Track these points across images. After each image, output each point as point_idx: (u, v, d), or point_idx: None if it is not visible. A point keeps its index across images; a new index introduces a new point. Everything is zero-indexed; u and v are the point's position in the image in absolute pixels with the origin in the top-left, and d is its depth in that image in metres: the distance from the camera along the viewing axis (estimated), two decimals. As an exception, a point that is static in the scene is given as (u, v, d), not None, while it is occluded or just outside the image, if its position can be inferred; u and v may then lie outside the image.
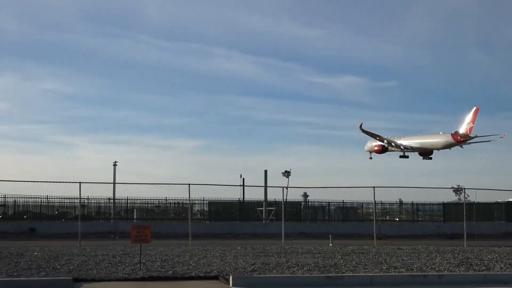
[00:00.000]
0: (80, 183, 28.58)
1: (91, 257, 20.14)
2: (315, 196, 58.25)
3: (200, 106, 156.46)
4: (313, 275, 15.79)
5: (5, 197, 48.81)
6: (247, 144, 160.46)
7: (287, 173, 66.17)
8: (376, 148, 54.59)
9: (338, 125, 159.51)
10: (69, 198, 47.91)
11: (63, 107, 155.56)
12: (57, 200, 49.94)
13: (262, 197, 53.15)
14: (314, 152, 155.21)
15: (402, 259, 20.62)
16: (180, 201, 51.27)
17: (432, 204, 54.59)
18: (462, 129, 49.57)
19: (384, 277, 15.40)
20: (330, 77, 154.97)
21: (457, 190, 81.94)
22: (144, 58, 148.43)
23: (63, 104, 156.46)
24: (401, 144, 53.29)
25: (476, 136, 49.82)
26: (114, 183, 53.71)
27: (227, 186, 54.31)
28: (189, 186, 30.52)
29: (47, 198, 48.92)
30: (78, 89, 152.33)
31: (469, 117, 49.55)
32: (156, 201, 52.98)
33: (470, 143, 51.00)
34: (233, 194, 73.67)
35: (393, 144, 53.41)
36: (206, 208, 54.59)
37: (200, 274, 15.90)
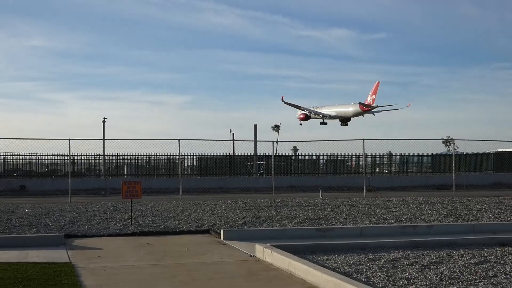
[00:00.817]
0: (69, 140, 28.52)
1: (82, 213, 20.21)
2: (304, 150, 58.50)
3: (189, 61, 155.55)
4: (303, 227, 15.95)
5: (-6, 155, 48.62)
6: (237, 99, 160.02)
7: (276, 127, 65.92)
8: (300, 116, 60.99)
9: (328, 78, 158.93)
10: (59, 155, 47.68)
11: (50, 63, 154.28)
12: (46, 157, 49.75)
13: (252, 152, 53.22)
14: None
15: (392, 211, 20.82)
16: (171, 157, 51.31)
17: (421, 155, 54.82)
18: (369, 101, 56.97)
19: (373, 229, 15.57)
20: (319, 30, 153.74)
21: (447, 141, 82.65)
22: (132, 14, 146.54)
23: (50, 60, 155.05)
24: (320, 113, 60.14)
25: (378, 106, 57.23)
26: (104, 139, 53.79)
27: (217, 141, 54.32)
28: (179, 141, 30.51)
29: (36, 155, 48.75)
30: (65, 46, 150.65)
31: (371, 90, 56.84)
32: (146, 157, 52.90)
33: (376, 111, 58.16)
34: (223, 149, 73.88)
35: (313, 113, 60.30)
36: (196, 164, 54.67)
37: (191, 229, 16.01)
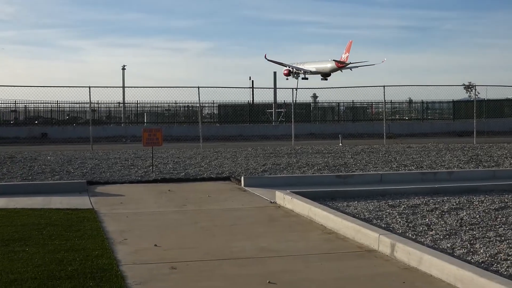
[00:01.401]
0: (89, 87, 28.58)
1: (103, 160, 20.38)
2: (324, 97, 58.37)
3: (209, 7, 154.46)
4: (323, 174, 15.99)
5: (15, 103, 48.99)
6: (257, 45, 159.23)
7: (296, 74, 65.37)
8: (285, 72, 64.85)
9: (348, 24, 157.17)
10: (79, 103, 47.88)
11: (70, 10, 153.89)
12: (67, 105, 50.04)
13: (271, 99, 53.11)
14: (323, 52, 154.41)
15: (412, 157, 20.77)
16: (190, 104, 51.36)
17: (442, 102, 54.44)
18: (343, 58, 61.77)
19: (394, 175, 15.57)
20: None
21: (468, 87, 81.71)
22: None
23: (70, 7, 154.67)
24: (302, 69, 64.82)
25: (351, 63, 62.17)
26: (124, 87, 53.84)
27: (237, 89, 54.58)
28: (198, 89, 30.49)
29: (57, 103, 49.01)
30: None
31: (345, 48, 62.07)
32: (166, 105, 53.04)
33: (350, 67, 63.37)
34: (243, 97, 74.00)
35: (295, 69, 64.71)
36: (216, 111, 54.76)
37: (212, 176, 16.12)
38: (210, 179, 15.78)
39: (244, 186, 14.38)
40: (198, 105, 33.94)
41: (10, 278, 6.52)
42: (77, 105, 50.12)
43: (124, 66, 69.73)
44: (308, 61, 66.61)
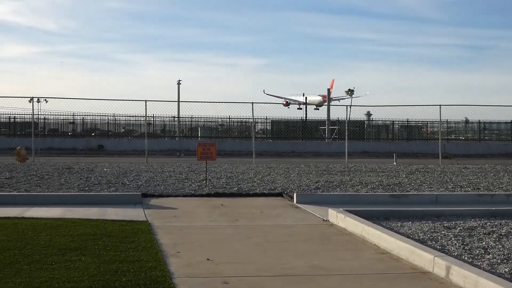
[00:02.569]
0: (145, 101, 29.10)
1: (158, 173, 20.63)
2: (378, 115, 58.34)
3: (263, 23, 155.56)
4: (377, 193, 15.83)
5: (74, 115, 50.21)
6: (310, 62, 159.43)
7: (350, 92, 65.63)
8: (283, 103, 72.31)
9: (403, 42, 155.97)
10: (135, 116, 48.74)
11: (128, 25, 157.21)
12: (123, 118, 50.97)
13: (324, 116, 53.04)
14: (378, 69, 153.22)
15: (468, 178, 20.40)
16: (243, 120, 51.65)
17: (500, 122, 53.43)
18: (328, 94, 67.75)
19: (449, 196, 15.32)
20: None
21: (527, 108, 79.86)
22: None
23: (128, 22, 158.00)
24: (296, 100, 76.11)
25: (334, 98, 70.12)
26: (179, 101, 54.47)
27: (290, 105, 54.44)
28: (252, 104, 30.71)
29: (114, 116, 50.01)
30: (142, 7, 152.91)
31: (329, 85, 71.38)
32: (220, 120, 53.54)
33: (338, 99, 72.05)
34: (296, 113, 74.82)
35: (291, 101, 75.84)
36: (268, 127, 54.95)
37: (265, 191, 16.13)
38: (262, 194, 15.80)
39: (296, 202, 14.35)
40: (251, 120, 34.07)
41: (66, 287, 6.65)
42: (132, 118, 50.99)
43: (179, 81, 70.69)
44: (299, 95, 78.17)
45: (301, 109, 73.70)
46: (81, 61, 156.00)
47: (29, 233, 9.86)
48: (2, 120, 51.57)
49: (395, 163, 29.06)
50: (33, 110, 29.61)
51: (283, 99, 74.54)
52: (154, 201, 14.42)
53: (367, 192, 16.17)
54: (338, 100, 72.17)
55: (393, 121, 53.22)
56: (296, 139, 49.67)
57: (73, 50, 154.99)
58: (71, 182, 17.41)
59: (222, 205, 14.00)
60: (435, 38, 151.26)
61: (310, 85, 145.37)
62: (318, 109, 73.14)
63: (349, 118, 33.17)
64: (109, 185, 16.76)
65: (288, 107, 74.58)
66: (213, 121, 53.92)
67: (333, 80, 74.19)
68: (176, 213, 12.75)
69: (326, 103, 69.26)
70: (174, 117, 53.35)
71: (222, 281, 7.19)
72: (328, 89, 68.27)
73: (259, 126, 55.67)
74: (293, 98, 77.31)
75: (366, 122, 59.65)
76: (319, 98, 75.85)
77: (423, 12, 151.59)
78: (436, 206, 13.46)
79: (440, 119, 32.39)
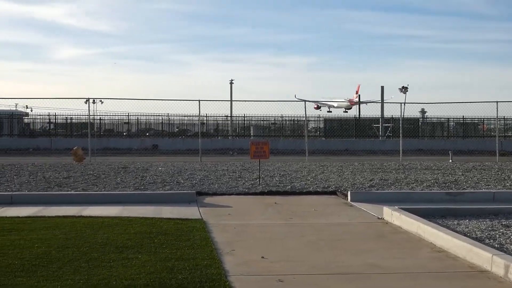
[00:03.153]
0: (199, 101, 29.36)
1: (212, 172, 20.78)
2: (433, 112, 57.32)
3: (314, 21, 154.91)
4: (433, 191, 15.62)
5: (128, 115, 51.07)
6: (362, 60, 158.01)
7: (404, 89, 64.66)
8: (314, 106, 74.09)
9: (456, 38, 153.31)
10: (188, 116, 49.35)
11: (180, 25, 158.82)
12: (177, 118, 51.57)
13: (378, 114, 52.59)
14: (431, 66, 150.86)
15: (527, 176, 19.92)
16: (296, 118, 51.63)
17: (560, 119, 52.03)
18: (355, 97, 72.15)
19: (508, 194, 14.94)
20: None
21: None
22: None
23: (180, 22, 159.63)
24: (326, 104, 78.39)
25: (361, 102, 68.63)
26: (231, 100, 54.78)
27: (388, 94, 54.13)
28: (305, 103, 30.69)
29: (168, 116, 50.63)
30: (194, 7, 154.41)
31: (355, 91, 74.59)
32: (272, 118, 53.61)
33: (363, 102, 69.63)
34: (349, 111, 74.25)
35: (321, 104, 77.36)
36: (321, 125, 54.81)
37: (318, 189, 16.08)
38: (316, 193, 15.75)
39: (350, 201, 14.26)
40: (304, 119, 33.98)
41: (124, 284, 6.76)
42: (186, 118, 51.55)
43: (232, 80, 71.09)
44: (332, 98, 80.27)
45: (330, 112, 75.78)
46: (134, 62, 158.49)
47: (87, 231, 10.06)
48: (59, 121, 52.80)
49: (450, 161, 28.58)
50: (89, 111, 30.20)
51: (314, 103, 75.66)
52: (208, 199, 14.54)
53: (422, 190, 15.96)
54: (366, 103, 73.48)
55: (448, 118, 52.43)
56: (349, 137, 49.36)
57: (126, 51, 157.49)
58: (127, 181, 17.69)
59: (275, 203, 14.01)
60: (489, 34, 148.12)
61: (363, 82, 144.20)
62: (346, 111, 74.65)
63: (403, 115, 32.82)
64: (164, 184, 16.96)
65: (320, 110, 76.69)
66: (266, 120, 54.01)
67: (358, 86, 76.82)
68: (230, 211, 12.82)
69: (353, 106, 74.93)
70: (227, 116, 53.71)
71: (277, 279, 7.20)
72: (359, 95, 71.46)
73: (311, 125, 55.69)
74: (323, 102, 79.42)
75: (421, 119, 58.85)
76: (346, 103, 79.14)
77: (475, 7, 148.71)
78: (494, 204, 13.17)
79: (497, 116, 31.75)
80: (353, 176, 19.45)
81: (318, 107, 76.41)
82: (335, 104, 79.35)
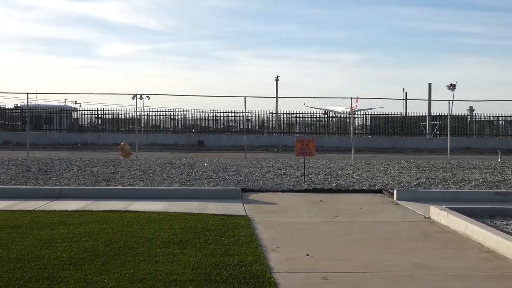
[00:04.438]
0: (245, 97, 29.26)
1: (257, 168, 20.80)
2: (481, 110, 56.32)
3: (361, 18, 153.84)
4: (481, 190, 15.33)
5: (175, 111, 51.50)
6: (411, 57, 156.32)
7: (452, 86, 63.68)
8: (322, 113, 70.24)
9: (506, 34, 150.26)
10: (234, 112, 49.65)
11: (226, 22, 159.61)
12: (222, 114, 51.89)
13: (425, 111, 51.91)
14: (480, 64, 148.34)
15: None
16: (341, 115, 51.37)
17: None
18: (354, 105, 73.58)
19: (559, 194, 14.58)
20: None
21: None
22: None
23: (226, 19, 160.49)
24: (332, 110, 72.05)
25: (360, 109, 64.43)
26: (277, 97, 54.76)
27: (389, 100, 53.95)
28: (351, 100, 30.43)
29: (213, 112, 50.91)
30: (241, 4, 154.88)
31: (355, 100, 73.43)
32: (317, 115, 53.44)
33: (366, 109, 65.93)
34: (395, 108, 73.53)
35: (327, 110, 71.37)
36: (367, 123, 54.34)
37: (364, 188, 15.95)
38: (361, 191, 15.63)
39: (396, 199, 14.11)
40: (350, 116, 33.76)
41: (169, 279, 6.81)
42: (231, 114, 51.79)
43: (277, 77, 71.03)
44: (335, 106, 79.62)
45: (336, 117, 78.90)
46: (181, 58, 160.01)
47: (134, 226, 10.17)
48: (107, 116, 53.61)
49: (499, 160, 28.05)
50: (136, 107, 30.50)
51: (322, 110, 77.31)
52: (253, 196, 14.55)
53: (470, 189, 15.68)
54: (366, 109, 74.58)
55: (497, 116, 51.45)
56: (395, 135, 48.87)
57: (173, 47, 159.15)
58: (173, 177, 17.83)
59: (320, 201, 13.96)
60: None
61: (411, 79, 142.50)
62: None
63: (451, 113, 32.31)
64: (210, 180, 17.04)
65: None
66: (311, 117, 53.88)
67: (358, 96, 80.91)
68: (275, 208, 12.82)
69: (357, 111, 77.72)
70: (272, 113, 53.80)
71: (322, 277, 7.17)
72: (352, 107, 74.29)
73: (357, 122, 55.22)
74: (329, 108, 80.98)
75: (469, 117, 57.91)
76: (348, 110, 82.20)
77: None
78: (545, 204, 12.86)
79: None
80: (399, 175, 19.24)
81: (325, 113, 78.63)
82: (339, 110, 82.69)
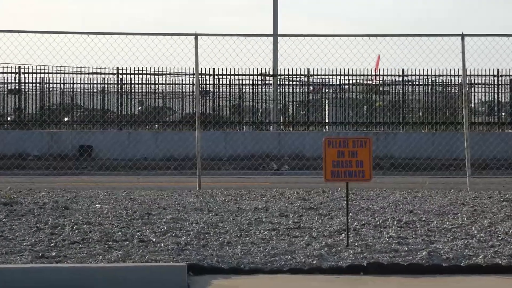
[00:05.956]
0: (196, 35, 32.38)
1: (228, 215, 21.17)
2: None
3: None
4: None
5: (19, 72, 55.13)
6: None
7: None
8: None
9: None
10: (170, 74, 51.97)
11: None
12: (140, 78, 55.26)
13: None
14: None
15: None
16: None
17: None
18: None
19: None
20: None
21: None
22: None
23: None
24: None
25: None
26: (276, 34, 58.18)
27: None
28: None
29: (117, 73, 53.21)
30: None
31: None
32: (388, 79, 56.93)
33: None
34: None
35: None
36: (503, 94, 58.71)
37: (499, 260, 16.05)
38: (494, 268, 15.63)
39: None
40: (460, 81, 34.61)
41: None
42: (163, 80, 54.25)
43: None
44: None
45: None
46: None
47: None
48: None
49: None
50: None
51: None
52: (217, 284, 14.30)
53: None
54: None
55: None
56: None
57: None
58: (16, 237, 17.80)
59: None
60: None
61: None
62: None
63: None
64: (107, 245, 16.91)
65: None
66: (364, 83, 55.48)
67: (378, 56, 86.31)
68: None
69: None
70: (264, 74, 55.02)
71: None
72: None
73: (478, 93, 60.17)
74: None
75: None
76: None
77: None
78: None
79: None
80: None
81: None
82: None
